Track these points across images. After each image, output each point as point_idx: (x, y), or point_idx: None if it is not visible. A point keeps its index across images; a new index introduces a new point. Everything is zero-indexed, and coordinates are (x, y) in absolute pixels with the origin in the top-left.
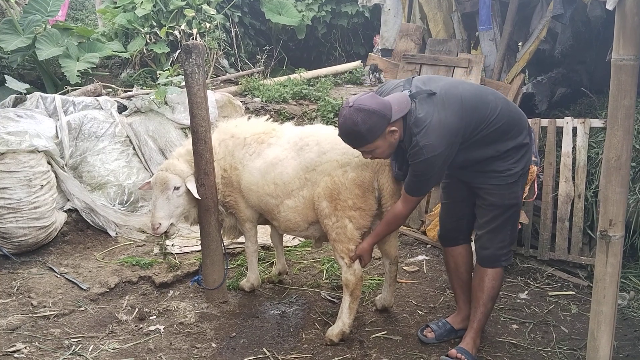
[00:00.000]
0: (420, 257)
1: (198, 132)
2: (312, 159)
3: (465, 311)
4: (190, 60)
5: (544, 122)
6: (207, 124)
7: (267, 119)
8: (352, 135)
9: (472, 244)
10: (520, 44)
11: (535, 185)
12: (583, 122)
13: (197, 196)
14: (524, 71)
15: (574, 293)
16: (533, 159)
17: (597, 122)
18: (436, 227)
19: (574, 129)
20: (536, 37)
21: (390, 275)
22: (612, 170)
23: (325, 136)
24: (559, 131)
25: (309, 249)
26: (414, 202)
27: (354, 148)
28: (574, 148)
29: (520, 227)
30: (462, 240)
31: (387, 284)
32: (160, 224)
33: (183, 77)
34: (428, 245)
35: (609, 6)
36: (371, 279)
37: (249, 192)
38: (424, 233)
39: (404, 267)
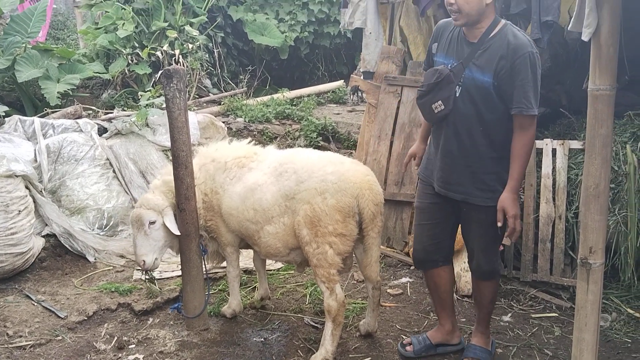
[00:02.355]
0: (404, 280)
1: (179, 156)
2: (290, 187)
3: (446, 327)
4: (172, 84)
5: None
6: (188, 148)
7: (250, 142)
8: None
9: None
10: None
11: None
12: (562, 144)
13: (175, 231)
14: None
15: (557, 315)
16: None
17: (576, 144)
18: None
19: (554, 151)
20: None
21: (374, 300)
22: (591, 198)
23: (302, 164)
24: (539, 152)
25: (291, 272)
26: (533, 123)
27: None
28: (554, 169)
29: (502, 248)
30: (442, 262)
31: (371, 309)
32: (144, 260)
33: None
34: (412, 267)
35: (585, 37)
36: (354, 303)
37: (229, 216)
38: (408, 254)
39: (388, 290)
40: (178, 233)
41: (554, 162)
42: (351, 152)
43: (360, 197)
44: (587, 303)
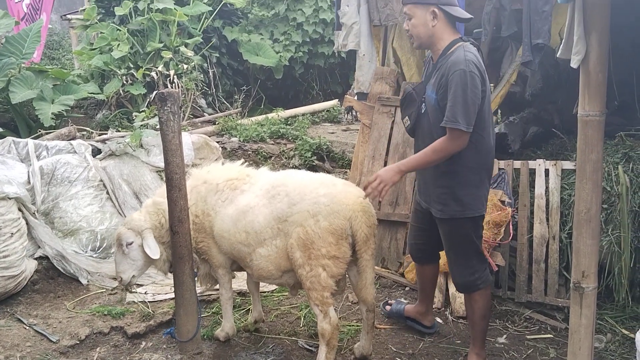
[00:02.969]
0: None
1: (172, 179)
2: (283, 209)
3: (421, 308)
4: (166, 107)
5: (517, 163)
6: (181, 171)
7: (242, 163)
8: None
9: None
10: (491, 85)
11: (510, 226)
12: (555, 164)
13: (151, 255)
14: (495, 112)
15: (552, 336)
16: (507, 200)
17: (568, 164)
18: (415, 269)
19: (547, 171)
20: (507, 81)
21: (368, 323)
22: (583, 223)
23: (294, 186)
24: (532, 172)
25: (285, 294)
26: (458, 138)
27: (403, 4)
28: (547, 190)
29: (497, 269)
30: (425, 261)
31: (365, 332)
32: (121, 277)
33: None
34: (407, 288)
35: (573, 64)
36: (349, 325)
37: (221, 239)
38: (403, 275)
39: (383, 312)
40: (155, 257)
41: (547, 182)
42: (346, 171)
43: (353, 219)
44: (581, 327)
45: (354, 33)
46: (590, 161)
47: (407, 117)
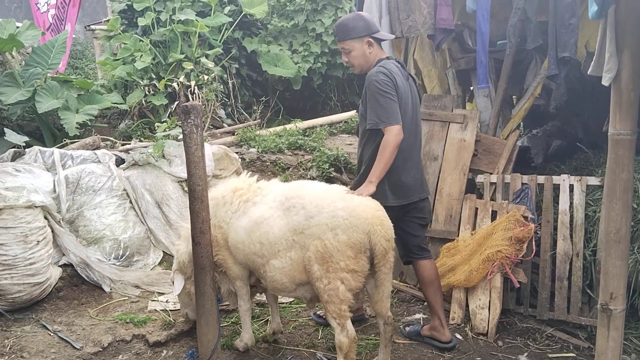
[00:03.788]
0: (417, 316)
1: (195, 190)
2: (299, 221)
3: (432, 322)
4: (189, 120)
5: (541, 179)
6: (204, 182)
7: (248, 175)
8: (339, 26)
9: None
10: (514, 97)
11: (533, 242)
12: (580, 180)
13: (174, 293)
14: (518, 126)
15: (574, 355)
16: (530, 216)
17: (593, 180)
18: None
19: (571, 186)
20: (531, 94)
21: (386, 336)
22: (612, 244)
23: (310, 199)
24: (556, 187)
25: (304, 305)
26: (390, 132)
27: (339, 41)
28: (571, 206)
29: (519, 285)
30: (410, 258)
31: (383, 345)
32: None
33: (180, 129)
34: (425, 303)
35: (605, 82)
36: (367, 339)
37: (235, 250)
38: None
39: (402, 326)
40: (174, 293)
41: (571, 198)
42: None
43: (372, 232)
44: (608, 350)
45: None
46: (621, 180)
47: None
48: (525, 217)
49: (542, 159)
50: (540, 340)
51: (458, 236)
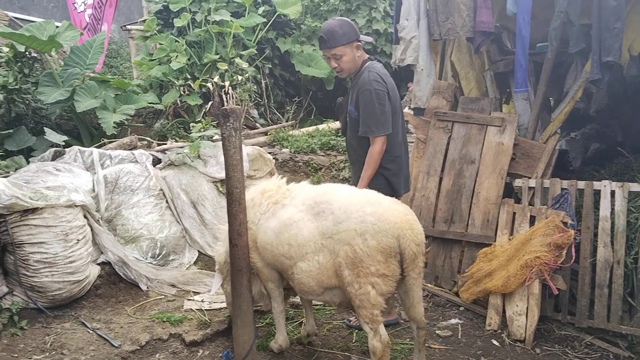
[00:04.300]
0: (453, 321)
1: (233, 193)
2: (328, 226)
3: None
4: (228, 124)
5: (581, 184)
6: (241, 185)
7: (282, 177)
8: (329, 33)
9: None
10: (551, 99)
11: (573, 249)
12: (622, 186)
13: (211, 291)
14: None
15: None
16: (570, 222)
17: (636, 187)
18: (470, 288)
19: (612, 192)
20: (571, 98)
21: (419, 341)
22: None
23: (338, 204)
24: (597, 193)
25: None
26: (379, 141)
27: (328, 48)
28: (612, 212)
29: (557, 292)
30: None
31: (417, 350)
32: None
33: (213, 129)
34: (461, 308)
35: None
36: (403, 344)
37: (264, 250)
38: (457, 294)
39: (437, 331)
40: (213, 292)
41: (612, 204)
42: None
43: (402, 237)
44: None
45: (413, 47)
46: None
47: (341, 124)
48: (565, 223)
49: (580, 162)
50: (579, 348)
51: (495, 241)
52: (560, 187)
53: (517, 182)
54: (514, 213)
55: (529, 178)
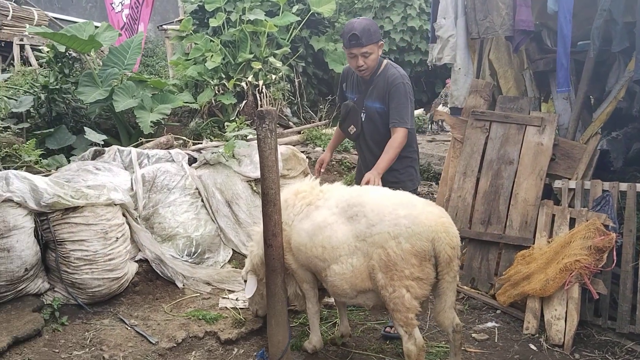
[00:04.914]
0: (489, 324)
1: (268, 194)
2: (361, 230)
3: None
4: (264, 125)
5: (623, 186)
6: (277, 186)
7: (314, 179)
8: (368, 29)
9: None
10: (591, 97)
11: (614, 252)
12: None
13: (246, 294)
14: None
15: None
16: (611, 224)
17: None
18: (507, 291)
19: None
20: (614, 98)
21: (455, 344)
22: None
23: (371, 207)
24: (639, 195)
25: None
26: (407, 133)
27: (361, 46)
28: None
29: (597, 297)
30: None
31: (453, 353)
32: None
33: (247, 128)
34: (498, 311)
35: None
36: (438, 347)
37: (298, 252)
38: (494, 297)
39: (473, 335)
40: (247, 296)
41: None
42: (430, 184)
43: (436, 240)
44: None
45: (450, 46)
46: None
47: (352, 126)
48: (606, 226)
49: (621, 162)
50: (619, 354)
51: (533, 243)
52: (602, 189)
53: (557, 184)
54: (553, 215)
55: (569, 179)
